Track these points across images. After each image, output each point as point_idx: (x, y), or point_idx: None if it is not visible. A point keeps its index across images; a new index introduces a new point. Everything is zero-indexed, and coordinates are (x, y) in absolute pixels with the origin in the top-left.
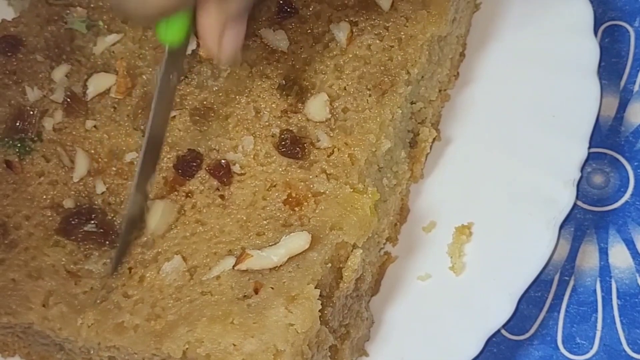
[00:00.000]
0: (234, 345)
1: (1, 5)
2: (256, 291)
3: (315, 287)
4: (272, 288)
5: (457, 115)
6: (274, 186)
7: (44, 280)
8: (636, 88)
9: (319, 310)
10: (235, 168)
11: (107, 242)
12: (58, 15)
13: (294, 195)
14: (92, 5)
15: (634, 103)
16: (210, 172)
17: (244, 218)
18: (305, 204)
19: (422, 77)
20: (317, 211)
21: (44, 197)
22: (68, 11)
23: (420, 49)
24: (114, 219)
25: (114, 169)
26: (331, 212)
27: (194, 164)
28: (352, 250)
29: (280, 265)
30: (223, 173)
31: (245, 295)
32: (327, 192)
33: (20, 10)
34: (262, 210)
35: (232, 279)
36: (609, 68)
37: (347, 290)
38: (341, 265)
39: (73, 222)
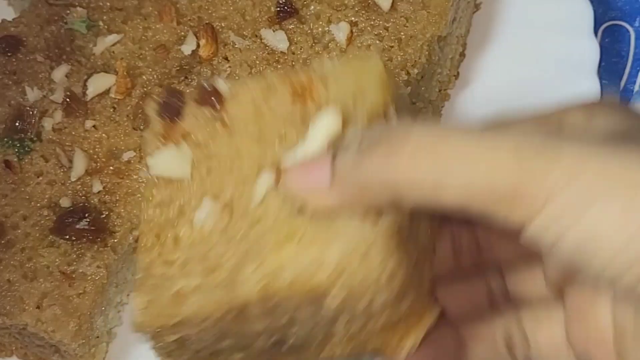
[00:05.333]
0: (317, 259)
1: (1, 5)
2: None
3: None
4: None
5: (457, 115)
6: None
7: (39, 282)
8: (636, 88)
9: None
10: (223, 87)
11: (99, 240)
12: (58, 15)
13: (298, 88)
14: (92, 6)
15: (634, 103)
16: (198, 102)
17: (256, 132)
18: (315, 90)
19: (422, 77)
20: (330, 91)
21: (42, 196)
22: (68, 11)
23: (420, 50)
24: (109, 216)
25: (111, 168)
26: (346, 85)
27: (175, 99)
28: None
29: None
30: (212, 97)
31: (300, 208)
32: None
33: (20, 10)
34: (272, 116)
35: (277, 196)
36: (609, 68)
37: None
38: None
39: (67, 221)
